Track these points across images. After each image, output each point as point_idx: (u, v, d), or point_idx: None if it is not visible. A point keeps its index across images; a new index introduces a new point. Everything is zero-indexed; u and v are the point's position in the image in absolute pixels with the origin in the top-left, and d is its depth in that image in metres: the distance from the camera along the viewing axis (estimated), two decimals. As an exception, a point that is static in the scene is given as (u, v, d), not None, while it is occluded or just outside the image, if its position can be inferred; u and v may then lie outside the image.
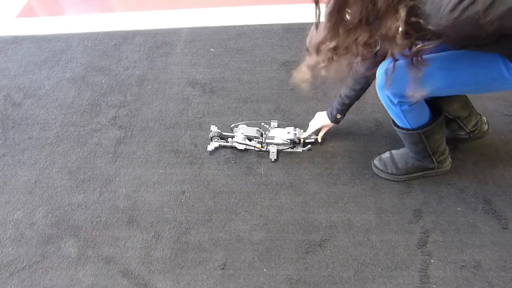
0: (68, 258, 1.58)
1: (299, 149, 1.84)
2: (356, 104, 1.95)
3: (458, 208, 1.61)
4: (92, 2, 2.97)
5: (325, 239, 1.56)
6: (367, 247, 1.53)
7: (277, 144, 1.84)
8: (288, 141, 1.82)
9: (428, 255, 1.50)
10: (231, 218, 1.64)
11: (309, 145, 1.83)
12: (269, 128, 1.90)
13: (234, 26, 2.53)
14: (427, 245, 1.53)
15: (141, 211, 1.69)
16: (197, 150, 1.88)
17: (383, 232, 1.57)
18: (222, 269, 1.51)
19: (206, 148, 1.87)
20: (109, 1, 3.00)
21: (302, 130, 1.87)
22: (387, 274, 1.46)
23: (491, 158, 1.76)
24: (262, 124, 1.91)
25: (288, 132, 1.85)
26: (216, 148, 1.87)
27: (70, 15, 2.85)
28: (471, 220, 1.58)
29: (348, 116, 1.88)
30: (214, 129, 1.90)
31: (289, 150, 1.84)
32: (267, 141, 1.83)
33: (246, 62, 2.29)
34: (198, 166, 1.83)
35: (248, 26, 2.53)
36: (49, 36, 2.60)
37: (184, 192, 1.74)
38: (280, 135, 1.84)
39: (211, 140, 1.87)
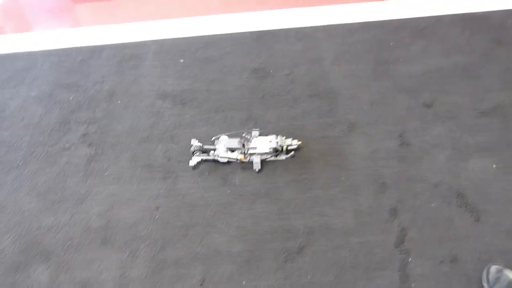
0: (39, 285, 1.52)
1: (282, 156, 1.82)
2: (327, 107, 1.97)
3: (433, 204, 1.63)
4: (58, 18, 2.90)
5: (303, 245, 1.55)
6: (346, 250, 1.53)
7: (260, 154, 1.81)
8: (271, 150, 1.79)
9: (406, 253, 1.50)
10: (208, 231, 1.62)
11: (292, 152, 1.82)
12: (251, 138, 1.86)
13: (203, 36, 2.52)
14: (405, 243, 1.53)
15: (115, 230, 1.65)
16: (170, 164, 1.85)
17: (361, 234, 1.57)
18: (201, 285, 1.48)
19: (178, 160, 1.85)
20: (76, 15, 2.95)
21: (284, 137, 1.85)
22: (367, 275, 1.46)
23: (462, 152, 1.78)
24: (244, 134, 1.88)
25: (270, 141, 1.81)
26: (199, 163, 1.83)
27: (35, 32, 2.78)
28: (446, 215, 1.59)
29: (320, 119, 1.90)
30: (195, 143, 1.86)
31: (273, 158, 1.82)
32: (249, 151, 1.80)
33: (216, 71, 2.27)
34: (172, 180, 1.79)
35: (216, 35, 2.52)
36: (12, 54, 2.52)
37: (158, 207, 1.71)
38: (262, 144, 1.81)
39: (193, 154, 1.83)
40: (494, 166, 1.73)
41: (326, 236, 1.57)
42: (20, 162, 1.92)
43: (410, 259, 1.49)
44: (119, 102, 2.15)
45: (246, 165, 1.81)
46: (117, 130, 2.01)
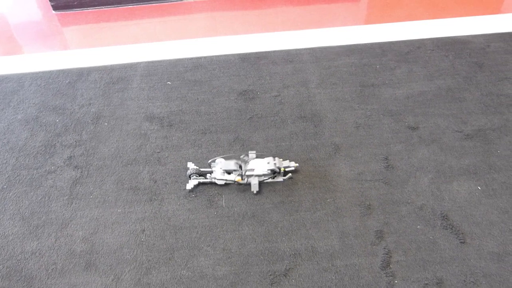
0: (20, 311, 1.49)
1: (280, 178, 1.82)
2: (313, 129, 2.00)
3: (418, 226, 1.64)
4: (46, 40, 2.92)
5: (289, 268, 1.54)
6: (331, 273, 1.52)
7: (258, 176, 1.80)
8: (269, 171, 1.79)
9: (392, 276, 1.50)
10: (193, 254, 1.60)
11: (290, 174, 1.82)
12: (248, 160, 1.85)
13: (191, 58, 2.55)
14: (391, 265, 1.53)
15: (100, 254, 1.63)
16: (156, 186, 1.84)
17: (347, 256, 1.56)
18: (186, 309, 1.46)
19: (165, 182, 1.84)
20: (63, 38, 2.97)
21: (281, 159, 1.86)
22: (353, 299, 1.45)
23: (446, 174, 1.81)
24: (241, 156, 1.87)
25: (268, 162, 1.81)
26: (196, 186, 1.83)
27: (22, 54, 2.79)
28: (431, 237, 1.60)
29: (306, 141, 1.92)
30: (191, 166, 1.85)
31: (270, 180, 1.82)
32: (247, 173, 1.80)
33: (204, 93, 2.29)
34: (158, 202, 1.78)
35: (204, 57, 2.55)
36: None
37: (144, 230, 1.69)
38: (260, 166, 1.81)
39: (189, 178, 1.83)
40: (479, 188, 1.75)
41: (312, 259, 1.56)
42: (4, 185, 1.90)
43: (396, 281, 1.49)
44: (106, 124, 2.15)
45: (233, 187, 1.81)
46: (103, 152, 2.01)
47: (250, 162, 1.83)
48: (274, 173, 1.81)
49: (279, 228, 1.67)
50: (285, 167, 1.82)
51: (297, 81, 2.32)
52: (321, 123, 2.06)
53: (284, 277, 1.52)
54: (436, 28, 2.65)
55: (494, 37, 2.54)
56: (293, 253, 1.59)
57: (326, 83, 2.29)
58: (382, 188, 1.78)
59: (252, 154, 1.89)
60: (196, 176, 1.82)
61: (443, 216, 1.66)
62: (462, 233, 1.60)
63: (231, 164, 1.82)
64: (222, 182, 1.80)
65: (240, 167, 1.83)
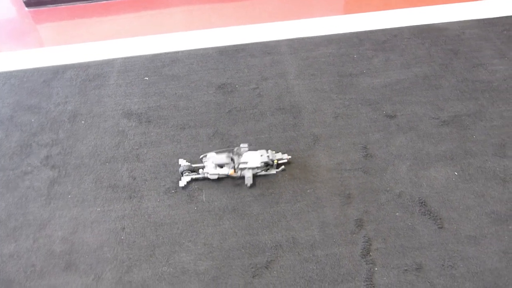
0: (-1, 315, 1.47)
1: (273, 171, 1.82)
2: (292, 121, 2.00)
3: (397, 213, 1.66)
4: (19, 38, 2.85)
5: (271, 260, 1.55)
6: (313, 263, 1.53)
7: (252, 168, 1.79)
8: (262, 164, 1.78)
9: (372, 264, 1.52)
10: (174, 250, 1.60)
11: (283, 166, 1.82)
12: (241, 153, 1.83)
13: (168, 53, 2.52)
14: (371, 253, 1.55)
15: (79, 254, 1.61)
16: (135, 183, 1.83)
17: (327, 246, 1.58)
18: (168, 305, 1.45)
19: (144, 179, 1.83)
20: (37, 36, 2.90)
21: (273, 152, 1.85)
22: (334, 287, 1.47)
23: (423, 161, 1.83)
24: (234, 149, 1.85)
25: (261, 155, 1.80)
26: (189, 183, 1.81)
27: (-5, 54, 2.72)
28: (409, 224, 1.62)
29: (286, 133, 1.92)
30: (183, 163, 1.83)
31: (263, 173, 1.81)
32: (240, 166, 1.78)
33: (182, 88, 2.27)
34: (137, 199, 1.77)
35: (182, 51, 2.52)
36: (-28, 78, 2.46)
37: (124, 228, 1.68)
38: (253, 158, 1.79)
39: (182, 174, 1.81)
40: (456, 173, 1.78)
41: (293, 250, 1.57)
42: (-21, 187, 1.86)
43: (376, 269, 1.51)
44: (83, 122, 2.12)
45: (213, 182, 1.80)
46: (80, 151, 1.98)
47: (243, 155, 1.82)
48: (267, 165, 1.80)
49: (259, 221, 1.67)
50: (278, 159, 1.82)
51: (276, 73, 2.32)
52: (300, 114, 2.07)
53: (266, 269, 1.53)
54: (412, 16, 2.67)
55: (469, 24, 2.56)
56: (274, 245, 1.59)
57: (305, 74, 2.29)
58: (362, 177, 1.79)
59: (244, 147, 1.88)
60: (189, 173, 1.81)
61: (421, 203, 1.68)
62: (440, 219, 1.63)
63: (223, 158, 1.81)
64: (215, 177, 1.79)
65: (232, 160, 1.82)
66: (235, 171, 1.79)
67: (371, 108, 2.07)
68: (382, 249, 1.56)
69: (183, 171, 1.80)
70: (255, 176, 1.80)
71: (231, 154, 1.84)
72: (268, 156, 1.80)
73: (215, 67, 2.39)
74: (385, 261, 1.52)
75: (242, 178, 1.79)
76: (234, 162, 1.81)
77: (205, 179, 1.81)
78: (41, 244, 1.65)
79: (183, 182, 1.80)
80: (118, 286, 1.51)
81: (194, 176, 1.80)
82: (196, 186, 1.80)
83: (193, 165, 1.82)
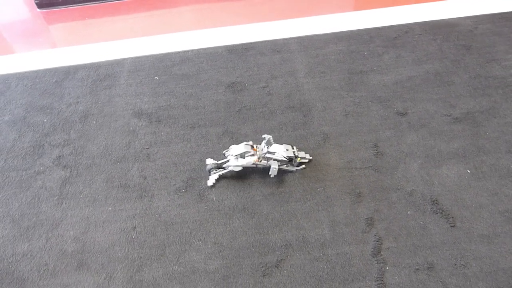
0: (13, 313, 1.49)
1: (293, 168, 1.80)
2: (302, 119, 1.99)
3: (408, 212, 1.64)
4: (30, 39, 2.89)
5: (281, 259, 1.55)
6: (323, 262, 1.52)
7: (277, 160, 1.76)
8: (287, 158, 1.76)
9: (383, 263, 1.51)
10: (184, 249, 1.60)
11: (303, 165, 1.81)
12: (271, 143, 1.78)
13: (178, 52, 2.52)
14: (381, 252, 1.54)
15: (91, 253, 1.63)
16: (146, 183, 1.84)
17: (338, 245, 1.57)
18: (178, 304, 1.46)
19: (154, 178, 1.83)
20: (49, 37, 2.93)
21: (297, 149, 1.84)
22: (345, 287, 1.46)
23: (435, 159, 1.80)
24: (264, 136, 1.78)
25: (287, 149, 1.79)
26: (217, 180, 1.81)
27: (7, 55, 2.76)
28: (421, 222, 1.60)
29: (296, 131, 1.91)
30: (209, 161, 1.84)
31: (284, 167, 1.79)
32: (267, 155, 1.75)
33: (192, 87, 2.28)
34: (148, 199, 1.78)
35: (191, 50, 2.53)
36: (-14, 79, 2.50)
37: (135, 227, 1.69)
38: (280, 151, 1.76)
39: (209, 173, 1.82)
40: (469, 171, 1.75)
41: (303, 249, 1.56)
42: (-7, 187, 1.89)
43: (387, 268, 1.49)
44: (94, 122, 2.13)
45: (221, 181, 1.81)
46: (92, 151, 2.00)
47: (273, 145, 1.78)
48: (290, 161, 1.79)
49: (269, 220, 1.66)
50: (301, 157, 1.81)
51: (285, 71, 2.31)
52: (310, 113, 2.06)
53: (276, 268, 1.52)
54: (423, 11, 2.63)
55: (482, 19, 2.52)
56: (284, 244, 1.59)
57: (314, 72, 2.28)
58: (372, 175, 1.77)
59: (268, 136, 1.80)
60: (216, 170, 1.81)
61: (433, 201, 1.66)
62: (452, 217, 1.61)
63: (241, 147, 1.80)
64: (239, 168, 1.78)
65: (252, 147, 1.81)
66: (259, 159, 1.77)
67: (382, 106, 2.05)
68: (393, 248, 1.54)
69: (211, 169, 1.81)
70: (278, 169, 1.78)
71: (249, 143, 1.83)
72: (293, 152, 1.79)
73: (225, 66, 2.39)
74: (396, 260, 1.51)
75: (267, 168, 1.77)
76: (256, 150, 1.80)
77: (231, 172, 1.81)
78: (53, 243, 1.68)
79: (211, 180, 1.80)
80: (129, 285, 1.52)
81: (221, 172, 1.81)
82: (205, 186, 1.80)
83: (218, 162, 1.83)
